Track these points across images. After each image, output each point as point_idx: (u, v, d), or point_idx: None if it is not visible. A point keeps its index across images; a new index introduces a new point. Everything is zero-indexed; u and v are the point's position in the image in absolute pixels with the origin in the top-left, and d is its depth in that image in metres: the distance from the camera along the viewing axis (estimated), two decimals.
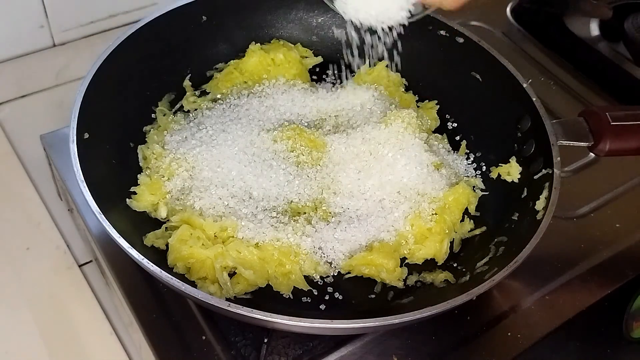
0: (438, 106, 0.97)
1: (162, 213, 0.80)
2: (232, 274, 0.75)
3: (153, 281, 0.76)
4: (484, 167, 0.90)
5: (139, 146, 0.86)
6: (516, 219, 0.80)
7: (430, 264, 0.81)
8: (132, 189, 0.80)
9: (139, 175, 0.83)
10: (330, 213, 0.81)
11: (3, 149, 0.99)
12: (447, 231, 0.81)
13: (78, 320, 0.82)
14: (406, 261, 0.80)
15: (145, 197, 0.80)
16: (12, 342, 0.79)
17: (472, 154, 0.92)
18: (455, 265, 0.80)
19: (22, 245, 0.88)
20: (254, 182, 0.82)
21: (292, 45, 1.01)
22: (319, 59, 1.02)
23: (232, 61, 0.98)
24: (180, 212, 0.79)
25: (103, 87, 0.81)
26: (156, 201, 0.81)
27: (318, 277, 0.78)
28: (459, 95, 0.96)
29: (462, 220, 0.85)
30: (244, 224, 0.77)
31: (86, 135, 0.76)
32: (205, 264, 0.74)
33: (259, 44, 0.99)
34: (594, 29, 1.23)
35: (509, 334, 0.78)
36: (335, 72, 1.02)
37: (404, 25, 0.75)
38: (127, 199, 0.79)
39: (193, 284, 0.73)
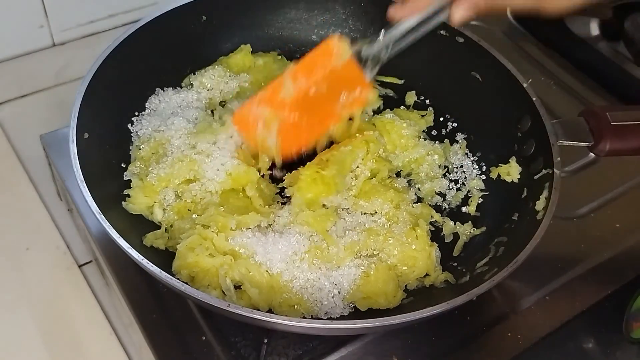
0: (432, 113, 0.97)
1: (158, 216, 0.79)
2: (236, 287, 0.73)
3: (153, 281, 0.76)
4: (484, 167, 0.90)
5: (130, 147, 0.85)
6: (516, 219, 0.80)
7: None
8: (126, 191, 0.80)
9: (132, 177, 0.82)
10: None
11: (3, 149, 0.99)
12: (429, 243, 0.80)
13: (78, 320, 0.82)
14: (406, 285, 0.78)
15: (139, 200, 0.79)
16: (12, 342, 0.79)
17: (472, 154, 0.92)
18: (455, 265, 0.80)
19: (22, 245, 0.88)
20: None
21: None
22: None
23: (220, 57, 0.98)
24: (189, 230, 0.77)
25: (103, 87, 0.81)
26: (151, 203, 0.80)
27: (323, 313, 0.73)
28: (459, 95, 0.96)
29: (457, 221, 0.85)
30: (256, 249, 0.74)
31: (86, 135, 0.76)
32: (210, 272, 0.72)
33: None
34: (594, 29, 1.23)
35: (509, 334, 0.78)
36: None
37: None
38: (123, 202, 0.79)
39: None
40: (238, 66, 0.98)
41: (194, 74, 0.96)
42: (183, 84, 0.95)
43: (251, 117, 0.78)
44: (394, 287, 0.75)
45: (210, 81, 0.94)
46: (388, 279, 0.75)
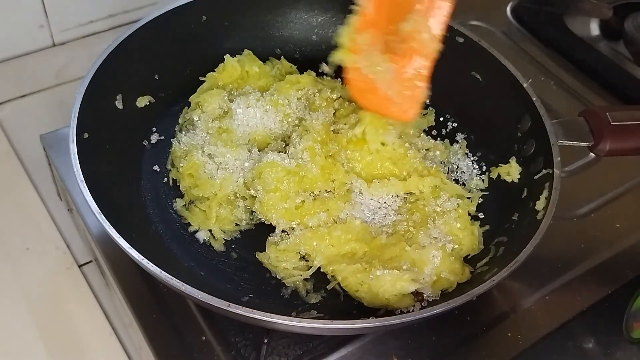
0: (432, 113, 0.98)
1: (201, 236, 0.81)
2: None
3: (153, 281, 0.76)
4: (484, 167, 0.90)
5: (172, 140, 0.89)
6: (516, 219, 0.80)
7: None
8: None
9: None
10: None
11: (3, 149, 0.99)
12: (470, 221, 0.81)
13: (78, 320, 0.82)
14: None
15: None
16: (12, 342, 0.79)
17: (472, 154, 0.92)
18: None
19: (22, 245, 0.88)
20: None
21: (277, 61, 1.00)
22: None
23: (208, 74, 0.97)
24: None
25: (103, 87, 0.81)
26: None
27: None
28: (458, 95, 0.96)
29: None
30: None
31: (86, 135, 0.76)
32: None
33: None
34: (594, 29, 1.23)
35: (509, 334, 0.78)
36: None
37: None
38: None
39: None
40: (230, 79, 0.96)
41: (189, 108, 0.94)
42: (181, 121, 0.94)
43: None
44: (460, 264, 0.77)
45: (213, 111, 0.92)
46: (451, 256, 0.76)
